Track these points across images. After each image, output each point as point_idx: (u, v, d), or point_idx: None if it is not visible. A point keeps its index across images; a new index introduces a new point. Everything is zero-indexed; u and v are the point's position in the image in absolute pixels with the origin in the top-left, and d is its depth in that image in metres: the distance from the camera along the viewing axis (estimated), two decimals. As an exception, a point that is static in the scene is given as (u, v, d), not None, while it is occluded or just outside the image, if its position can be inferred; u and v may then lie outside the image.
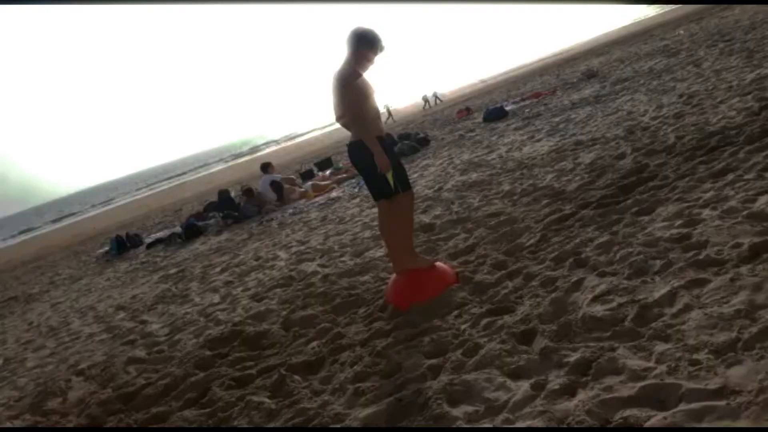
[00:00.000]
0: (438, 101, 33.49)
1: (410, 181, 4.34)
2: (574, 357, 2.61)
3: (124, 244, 13.00)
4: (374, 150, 3.84)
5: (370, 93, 3.97)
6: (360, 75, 3.94)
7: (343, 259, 5.69)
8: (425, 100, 35.03)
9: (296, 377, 3.45)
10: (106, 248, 13.42)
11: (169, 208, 21.63)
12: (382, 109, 34.56)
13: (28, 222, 58.95)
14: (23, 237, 40.33)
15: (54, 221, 48.89)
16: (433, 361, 3.08)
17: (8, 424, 4.29)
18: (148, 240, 12.82)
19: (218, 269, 7.40)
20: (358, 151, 3.99)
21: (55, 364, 5.56)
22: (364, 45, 3.94)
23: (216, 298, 5.93)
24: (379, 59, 4.05)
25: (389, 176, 3.91)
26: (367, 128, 3.87)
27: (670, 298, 2.82)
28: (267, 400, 3.29)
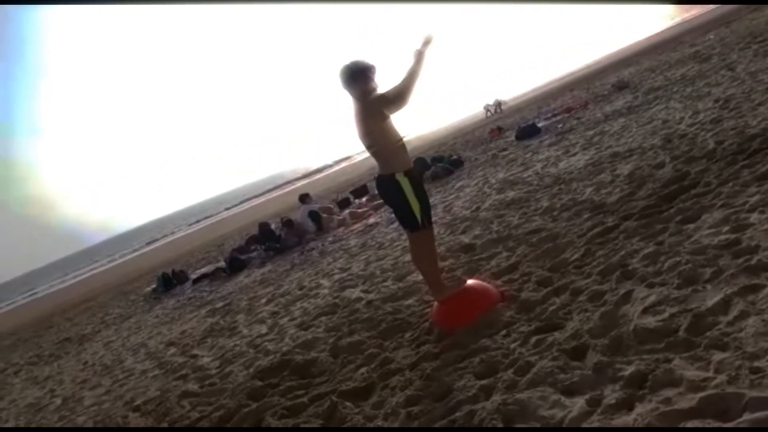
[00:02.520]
0: (499, 110, 33.29)
1: (446, 204, 4.37)
2: (628, 370, 2.57)
3: (170, 281, 13.28)
4: (414, 70, 3.77)
5: (395, 127, 4.01)
6: (372, 95, 3.94)
7: (385, 284, 5.72)
8: (487, 109, 35.03)
9: (348, 404, 3.47)
10: (153, 286, 13.72)
11: (211, 243, 22.02)
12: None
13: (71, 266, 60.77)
14: (72, 280, 41.51)
15: (99, 262, 50.23)
16: (485, 381, 3.07)
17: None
18: (193, 276, 13.07)
19: (264, 300, 7.50)
20: (386, 185, 4.03)
21: (112, 402, 5.71)
22: (362, 76, 3.93)
23: (263, 329, 6.01)
24: (378, 78, 4.01)
25: (415, 210, 3.94)
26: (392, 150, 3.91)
27: (724, 305, 2.77)
28: (320, 428, 3.32)
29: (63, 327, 14.75)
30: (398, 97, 3.78)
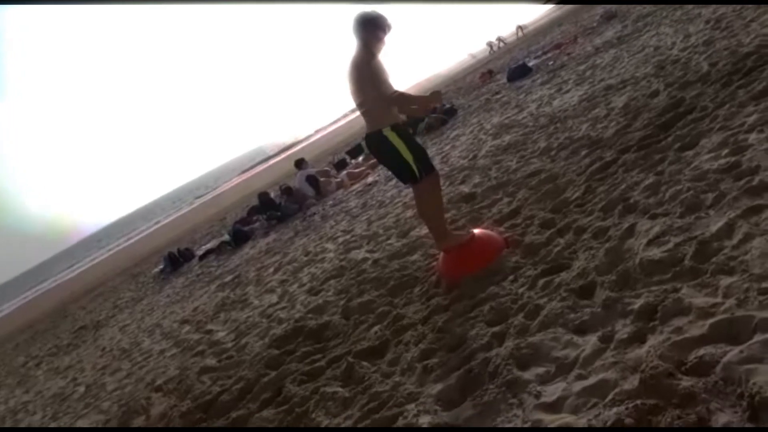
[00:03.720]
0: (503, 44, 33.29)
1: (443, 154, 4.34)
2: (638, 304, 2.58)
3: (177, 260, 13.36)
4: (418, 102, 3.97)
5: (387, 75, 3.96)
6: (376, 57, 3.94)
7: (389, 242, 5.73)
8: (490, 45, 35.05)
9: (364, 363, 3.51)
10: (161, 266, 13.81)
11: (213, 218, 22.07)
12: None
13: (73, 257, 60.92)
14: (79, 269, 41.78)
15: (103, 249, 50.42)
16: (496, 328, 3.09)
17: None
18: (199, 252, 13.14)
19: (271, 270, 7.54)
20: (375, 142, 4.00)
21: (134, 384, 5.80)
22: (375, 27, 3.93)
23: (274, 298, 6.06)
24: (389, 39, 4.04)
25: (410, 161, 3.89)
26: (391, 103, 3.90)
27: (728, 229, 2.76)
28: (340, 389, 3.37)
29: (78, 315, 14.94)
30: (389, 99, 3.86)
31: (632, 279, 2.82)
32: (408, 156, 3.90)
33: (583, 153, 5.13)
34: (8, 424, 7.29)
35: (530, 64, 13.92)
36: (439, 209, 4.14)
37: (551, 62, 12.77)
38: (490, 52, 33.51)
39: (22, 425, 6.81)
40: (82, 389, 6.88)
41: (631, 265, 2.91)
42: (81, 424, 5.44)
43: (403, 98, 3.91)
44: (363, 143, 15.90)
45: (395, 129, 3.89)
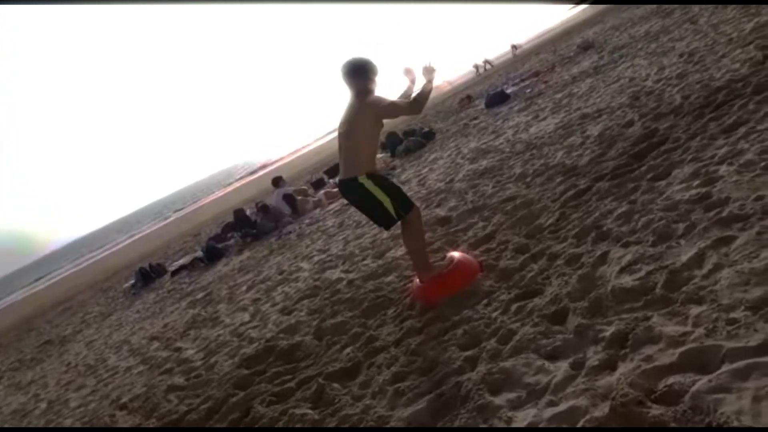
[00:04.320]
0: (489, 66, 34.05)
1: (420, 177, 4.35)
2: (609, 331, 2.60)
3: (149, 275, 13.14)
4: (425, 90, 3.94)
5: (378, 129, 3.99)
6: (370, 96, 3.95)
7: (365, 262, 5.71)
8: (476, 67, 35.82)
9: (335, 385, 3.47)
10: (132, 281, 13.56)
11: (187, 233, 21.80)
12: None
13: (41, 270, 59.54)
14: (48, 282, 40.87)
15: (73, 262, 49.39)
16: (469, 352, 3.08)
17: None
18: (171, 268, 12.94)
19: (244, 288, 7.45)
20: (350, 189, 3.97)
21: (98, 401, 5.65)
22: (367, 72, 3.94)
23: (246, 317, 5.98)
24: (379, 82, 4.05)
25: (387, 205, 3.88)
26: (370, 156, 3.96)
27: (698, 259, 2.80)
28: (310, 411, 3.31)
29: (43, 330, 14.56)
30: (413, 108, 3.85)
31: (604, 306, 2.84)
32: (385, 198, 3.88)
33: (558, 180, 5.19)
34: (-37, 440, 7.03)
35: (508, 90, 14.14)
36: (422, 242, 4.13)
37: (529, 90, 12.98)
38: (476, 74, 34.17)
39: (-22, 442, 6.58)
40: (44, 405, 6.67)
41: (603, 292, 2.93)
42: (40, 442, 5.27)
43: (418, 100, 3.88)
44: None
45: (370, 177, 3.88)
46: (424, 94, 3.91)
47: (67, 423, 5.44)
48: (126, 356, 7.04)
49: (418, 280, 4.22)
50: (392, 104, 3.90)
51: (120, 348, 7.71)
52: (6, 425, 6.67)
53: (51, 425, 5.66)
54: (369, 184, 3.87)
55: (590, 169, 5.02)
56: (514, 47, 35.58)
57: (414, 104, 3.85)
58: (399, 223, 4.03)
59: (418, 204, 6.83)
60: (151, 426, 4.22)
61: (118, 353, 7.45)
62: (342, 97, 4.08)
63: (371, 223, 7.38)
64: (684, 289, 2.62)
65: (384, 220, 4.00)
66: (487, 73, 30.99)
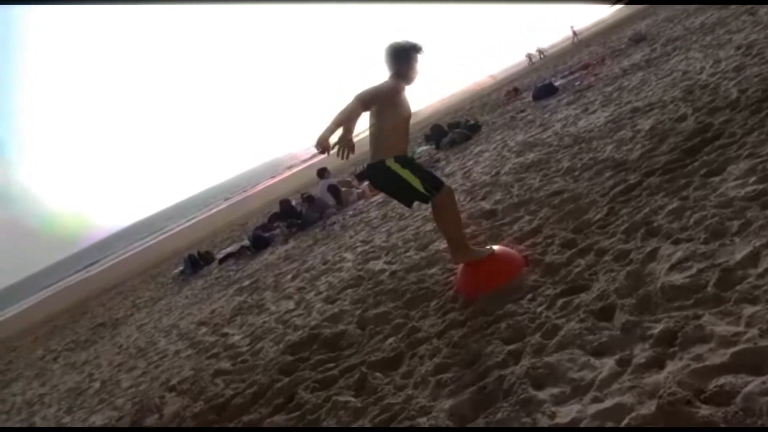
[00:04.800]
0: (543, 56, 33.60)
1: (465, 170, 4.31)
2: (657, 328, 2.55)
3: (197, 262, 13.48)
4: (330, 128, 3.62)
5: (401, 112, 3.94)
6: (399, 91, 3.92)
7: (408, 254, 5.73)
8: (529, 56, 35.41)
9: (377, 374, 3.51)
10: (181, 268, 13.94)
11: (235, 222, 22.25)
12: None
13: (94, 255, 61.57)
14: (101, 267, 42.34)
15: (125, 248, 50.95)
16: (512, 346, 3.07)
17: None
18: (219, 256, 13.24)
19: (289, 276, 7.58)
20: (378, 174, 3.98)
21: (148, 383, 5.86)
22: (397, 58, 3.91)
23: (291, 305, 6.08)
24: (422, 63, 4.01)
25: (418, 186, 3.85)
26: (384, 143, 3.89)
27: (753, 258, 2.72)
28: (352, 399, 3.36)
29: (96, 312, 15.13)
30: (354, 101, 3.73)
31: (653, 303, 2.79)
32: (414, 181, 3.86)
33: (607, 174, 5.10)
34: (24, 415, 7.39)
35: (557, 83, 13.91)
36: (457, 223, 4.09)
37: (578, 83, 12.74)
38: (529, 63, 33.69)
39: (38, 417, 6.90)
40: (97, 385, 6.96)
41: (652, 290, 2.88)
42: (95, 419, 5.50)
43: (344, 110, 3.69)
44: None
45: (398, 160, 3.88)
46: (338, 116, 3.72)
47: (119, 402, 5.66)
48: (175, 340, 7.27)
49: (460, 271, 4.21)
50: (372, 90, 3.81)
51: (169, 332, 7.97)
52: (62, 402, 6.99)
53: (104, 404, 5.91)
54: (397, 167, 3.86)
55: (641, 164, 4.91)
56: (574, 33, 34.65)
57: (353, 101, 3.72)
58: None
59: (463, 197, 6.86)
60: (198, 409, 4.35)
61: (168, 337, 7.69)
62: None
63: (415, 215, 7.42)
64: (737, 288, 2.55)
65: (413, 196, 3.96)
66: (540, 62, 30.48)
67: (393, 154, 3.88)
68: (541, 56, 33.81)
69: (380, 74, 4.00)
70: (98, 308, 15.94)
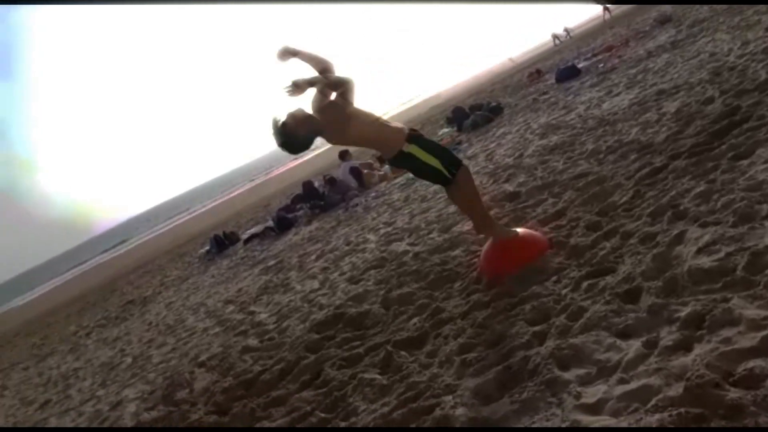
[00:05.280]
0: (569, 36, 32.85)
1: (487, 152, 4.31)
2: (685, 311, 2.57)
3: (222, 243, 13.67)
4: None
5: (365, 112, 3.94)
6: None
7: (431, 236, 5.77)
8: (555, 36, 34.68)
9: (403, 353, 3.57)
10: (207, 248, 14.13)
11: (258, 204, 22.43)
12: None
13: (122, 234, 62.40)
14: (129, 246, 43.04)
15: (152, 228, 51.62)
16: (537, 327, 3.10)
17: (146, 415, 4.70)
18: (244, 236, 13.38)
19: (313, 257, 7.67)
20: (401, 162, 4.00)
21: (178, 359, 6.01)
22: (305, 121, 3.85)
23: (315, 284, 6.17)
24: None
25: (438, 166, 3.88)
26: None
27: (783, 242, 2.71)
28: (378, 376, 3.44)
29: (126, 290, 15.43)
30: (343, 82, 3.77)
31: (680, 286, 2.80)
32: (434, 162, 3.88)
33: (633, 157, 5.06)
34: (60, 388, 7.62)
35: (580, 65, 13.71)
36: (478, 198, 4.14)
37: (601, 65, 12.55)
38: (555, 44, 33.03)
39: (73, 390, 7.12)
40: (129, 360, 7.16)
41: (679, 273, 2.89)
42: (127, 392, 5.67)
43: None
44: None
45: (413, 141, 3.87)
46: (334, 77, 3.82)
47: (151, 377, 5.83)
48: (203, 318, 7.43)
49: (484, 252, 4.23)
50: (340, 93, 3.80)
51: (197, 310, 8.13)
52: (96, 376, 7.20)
53: (136, 378, 6.08)
54: (416, 150, 3.85)
55: (667, 147, 4.87)
56: (606, 8, 33.63)
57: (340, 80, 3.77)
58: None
59: (485, 179, 6.87)
60: (227, 384, 4.47)
61: (196, 315, 7.86)
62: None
63: (437, 197, 7.45)
64: (767, 271, 2.55)
65: (441, 180, 3.99)
66: (567, 42, 29.89)
67: (405, 137, 3.88)
68: (569, 36, 33.04)
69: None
70: (127, 286, 16.25)
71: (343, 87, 3.80)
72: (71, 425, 5.64)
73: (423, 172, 4.04)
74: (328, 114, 3.81)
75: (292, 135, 3.73)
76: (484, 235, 4.22)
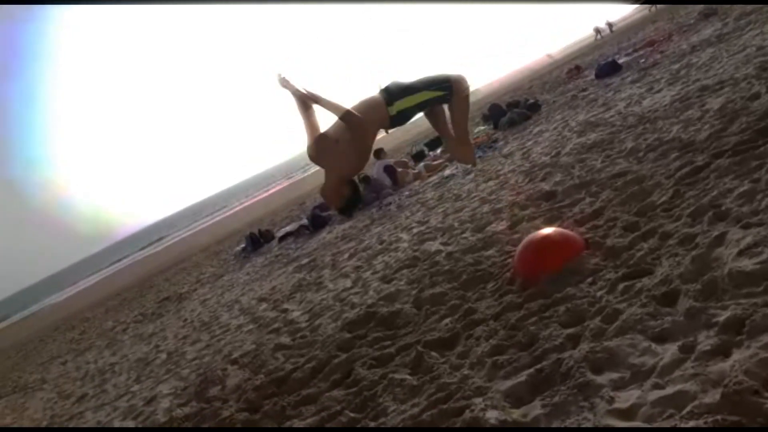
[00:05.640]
0: (611, 30, 32.37)
1: (524, 150, 4.24)
2: (724, 315, 2.48)
3: (258, 240, 13.84)
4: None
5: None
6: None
7: (464, 235, 5.72)
8: (597, 31, 34.22)
9: (434, 354, 3.54)
10: (242, 245, 14.34)
11: (293, 202, 22.65)
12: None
13: (159, 233, 63.64)
14: (165, 243, 43.96)
15: (188, 226, 52.59)
16: (571, 330, 3.04)
17: (179, 411, 4.78)
18: (278, 234, 13.54)
19: (346, 255, 7.70)
20: (400, 120, 3.90)
21: (211, 355, 6.10)
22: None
23: (348, 283, 6.19)
24: None
25: (424, 98, 3.81)
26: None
27: (831, 245, 2.60)
28: (408, 376, 3.42)
29: (162, 287, 15.76)
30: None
31: (719, 289, 2.71)
32: (425, 96, 3.84)
33: (673, 156, 4.92)
34: (97, 382, 7.82)
35: (620, 61, 13.45)
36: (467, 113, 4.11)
37: (643, 60, 12.29)
38: (596, 38, 32.48)
39: (109, 385, 7.30)
40: (164, 356, 7.29)
41: (719, 275, 2.79)
42: (161, 388, 5.78)
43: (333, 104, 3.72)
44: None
45: (392, 100, 3.79)
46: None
47: (184, 373, 5.92)
48: (237, 315, 7.53)
49: (518, 253, 4.16)
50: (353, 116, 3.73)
51: (231, 307, 8.25)
52: (132, 371, 7.37)
53: (170, 374, 6.19)
54: (400, 105, 3.78)
55: (709, 145, 4.72)
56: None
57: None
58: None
59: (521, 178, 6.78)
60: (259, 382, 4.51)
61: (230, 312, 7.97)
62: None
63: (471, 196, 7.38)
64: (812, 275, 2.44)
65: (442, 101, 3.92)
66: (609, 37, 29.32)
67: (380, 109, 3.80)
68: (611, 30, 32.39)
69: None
70: (164, 283, 16.60)
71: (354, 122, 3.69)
72: (106, 420, 5.77)
73: (424, 108, 3.96)
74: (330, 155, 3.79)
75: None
76: (453, 152, 4.13)
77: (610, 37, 28.32)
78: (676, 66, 9.34)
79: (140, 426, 4.99)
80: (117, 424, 5.42)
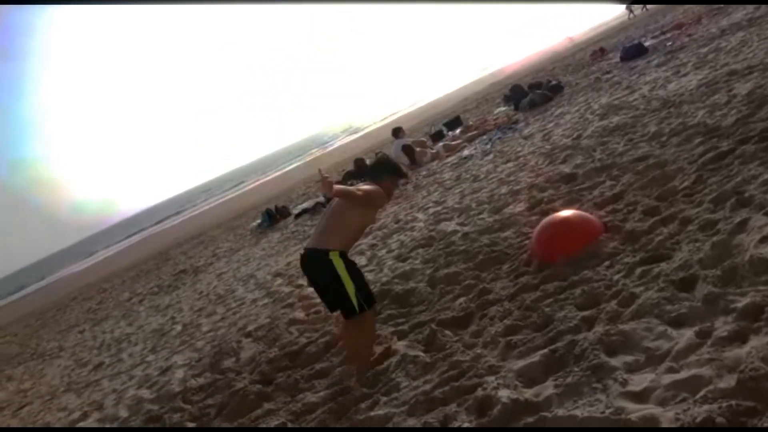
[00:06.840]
0: (645, 9, 31.69)
1: (545, 132, 4.14)
2: (742, 302, 2.45)
3: (274, 216, 13.91)
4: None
5: (372, 218, 3.92)
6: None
7: (481, 216, 5.69)
8: (629, 9, 33.54)
9: (447, 332, 3.56)
10: (259, 221, 14.42)
11: (310, 179, 22.67)
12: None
13: (178, 206, 64.11)
14: (183, 217, 44.33)
15: (206, 201, 52.92)
16: (586, 312, 3.03)
17: (193, 382, 4.85)
18: (295, 211, 13.57)
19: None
20: (315, 261, 3.60)
21: (226, 328, 6.17)
22: (396, 175, 3.98)
23: (363, 261, 6.20)
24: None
25: (351, 292, 3.47)
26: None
27: None
28: (422, 354, 3.44)
29: (179, 260, 15.92)
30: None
31: (739, 276, 2.67)
32: (350, 285, 3.49)
33: (697, 141, 4.84)
34: (113, 352, 7.97)
35: (647, 43, 13.17)
36: (370, 348, 3.68)
37: (670, 43, 12.02)
38: (629, 17, 31.81)
39: (125, 354, 7.43)
40: (179, 327, 7.40)
41: (740, 262, 2.75)
42: (176, 359, 5.87)
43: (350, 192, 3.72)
44: (461, 116, 15.70)
45: (342, 256, 3.55)
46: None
47: (199, 345, 6.01)
48: (252, 289, 7.60)
49: (536, 234, 4.14)
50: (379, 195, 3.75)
51: (247, 281, 8.32)
52: (147, 342, 7.49)
53: (185, 346, 6.28)
54: (338, 263, 3.51)
55: (735, 131, 4.63)
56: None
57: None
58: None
59: (541, 159, 6.72)
60: (273, 355, 4.55)
61: (245, 286, 8.04)
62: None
63: (489, 177, 7.33)
64: (835, 264, 2.40)
65: (345, 307, 3.54)
66: (644, 14, 28.64)
67: (340, 249, 3.57)
68: (645, 9, 31.57)
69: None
70: (180, 256, 16.77)
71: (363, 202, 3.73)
72: (122, 388, 5.88)
73: (330, 287, 3.57)
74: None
75: None
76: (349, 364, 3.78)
77: (643, 16, 27.68)
78: (704, 50, 9.14)
79: (155, 395, 5.07)
80: (132, 392, 5.51)
